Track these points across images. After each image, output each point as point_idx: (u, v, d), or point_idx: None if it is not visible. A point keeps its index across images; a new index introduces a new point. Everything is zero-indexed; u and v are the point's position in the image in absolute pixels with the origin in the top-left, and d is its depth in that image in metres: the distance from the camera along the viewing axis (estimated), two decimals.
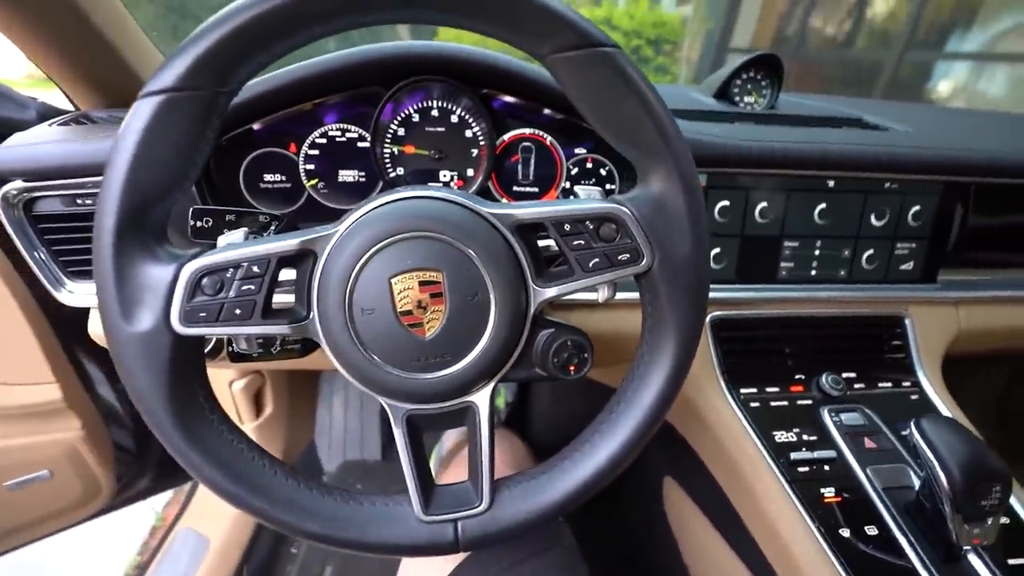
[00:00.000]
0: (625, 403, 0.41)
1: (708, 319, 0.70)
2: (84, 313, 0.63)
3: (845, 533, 0.55)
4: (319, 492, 0.39)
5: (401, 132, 0.62)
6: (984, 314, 0.77)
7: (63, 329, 0.79)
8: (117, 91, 0.68)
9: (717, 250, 0.68)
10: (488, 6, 0.34)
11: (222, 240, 0.37)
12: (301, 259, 0.38)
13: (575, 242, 0.38)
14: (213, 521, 1.21)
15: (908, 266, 0.72)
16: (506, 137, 0.63)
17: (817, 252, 0.70)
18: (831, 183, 0.67)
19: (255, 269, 0.35)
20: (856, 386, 0.70)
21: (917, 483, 0.58)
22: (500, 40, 0.37)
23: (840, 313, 0.73)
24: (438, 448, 1.21)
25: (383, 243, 0.36)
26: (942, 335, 0.75)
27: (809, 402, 0.68)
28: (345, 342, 0.37)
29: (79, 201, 0.56)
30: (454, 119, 0.62)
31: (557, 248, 0.39)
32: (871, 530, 0.55)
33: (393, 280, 0.36)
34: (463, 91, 0.60)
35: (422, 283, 0.36)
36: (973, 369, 1.11)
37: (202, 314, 0.35)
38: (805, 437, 0.64)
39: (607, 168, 0.66)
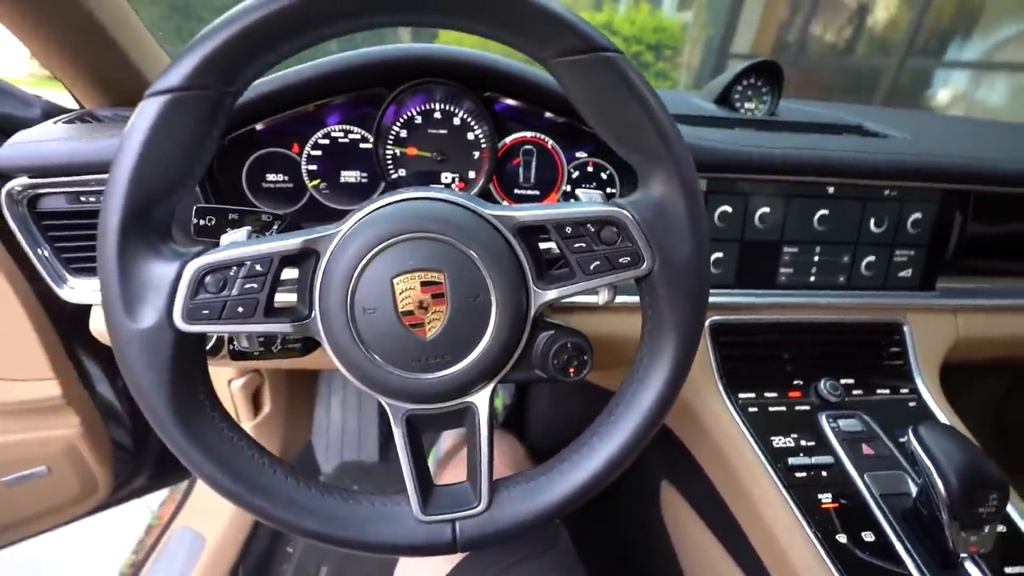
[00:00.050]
0: (624, 405, 0.41)
1: (707, 323, 0.70)
2: (85, 310, 0.63)
3: (842, 539, 0.55)
4: (318, 491, 0.39)
5: (403, 134, 0.62)
6: (983, 322, 0.77)
7: (64, 326, 0.79)
8: (122, 90, 0.69)
9: (717, 255, 0.68)
10: (491, 9, 0.34)
11: (225, 239, 0.38)
12: (303, 258, 0.38)
13: (576, 245, 0.38)
14: (209, 519, 1.21)
15: (907, 273, 0.73)
16: (508, 140, 0.64)
17: (816, 258, 0.70)
18: (831, 189, 0.68)
19: (258, 268, 0.36)
20: (854, 392, 0.70)
21: (914, 490, 0.58)
22: (503, 43, 0.37)
23: (839, 319, 0.73)
24: (435, 449, 1.21)
25: (385, 243, 0.36)
26: (940, 343, 0.75)
27: (807, 408, 0.68)
28: (346, 341, 0.37)
29: (83, 199, 0.56)
30: (456, 121, 0.62)
31: (558, 250, 0.39)
32: (868, 536, 0.55)
33: (395, 280, 0.36)
34: (465, 94, 0.60)
35: (424, 283, 0.37)
36: (971, 377, 1.11)
37: (205, 311, 0.35)
38: (803, 443, 0.64)
39: (608, 172, 0.66)
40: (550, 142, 0.64)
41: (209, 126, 0.35)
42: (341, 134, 0.61)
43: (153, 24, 0.73)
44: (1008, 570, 0.52)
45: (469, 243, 0.37)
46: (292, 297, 0.39)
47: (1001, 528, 0.56)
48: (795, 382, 0.71)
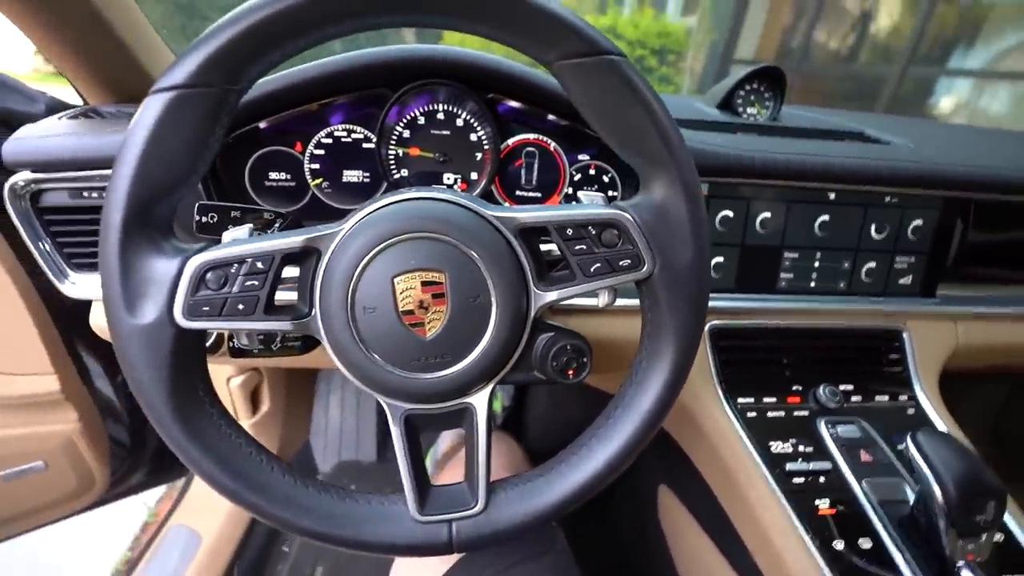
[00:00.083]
0: (623, 408, 0.41)
1: (707, 328, 0.70)
2: (85, 306, 0.63)
3: (839, 545, 0.55)
4: (315, 490, 0.40)
5: (406, 134, 0.62)
6: (982, 330, 0.77)
7: (63, 321, 0.79)
8: (126, 86, 0.69)
9: (718, 259, 0.68)
10: (495, 11, 0.35)
11: (227, 236, 0.38)
12: (305, 256, 0.38)
13: (577, 247, 0.38)
14: (206, 517, 1.21)
15: (907, 280, 0.73)
16: (510, 142, 0.64)
17: (817, 264, 0.70)
18: (832, 195, 0.68)
19: (259, 265, 0.36)
20: (853, 398, 0.70)
21: (912, 497, 0.58)
22: (507, 45, 0.37)
23: (839, 325, 0.73)
24: (433, 450, 1.21)
25: (387, 242, 0.36)
26: (940, 350, 0.75)
27: (806, 413, 0.68)
28: (346, 340, 0.37)
29: (85, 194, 0.56)
30: (459, 122, 0.62)
31: (559, 252, 0.39)
32: (865, 543, 0.55)
33: (396, 280, 0.36)
34: (469, 95, 0.61)
35: (424, 283, 0.37)
36: (971, 385, 1.11)
37: (205, 308, 0.35)
38: (801, 448, 0.64)
39: (610, 175, 0.66)
40: (552, 144, 0.64)
41: (213, 124, 0.35)
42: (344, 134, 0.61)
43: (157, 22, 0.74)
44: None
45: (470, 243, 0.37)
46: (293, 295, 0.39)
47: (998, 537, 0.56)
48: (794, 387, 0.71)
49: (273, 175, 0.62)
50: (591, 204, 0.40)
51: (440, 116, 0.62)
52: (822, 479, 0.61)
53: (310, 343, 0.58)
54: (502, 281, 0.38)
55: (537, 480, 0.41)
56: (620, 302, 0.44)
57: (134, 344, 0.35)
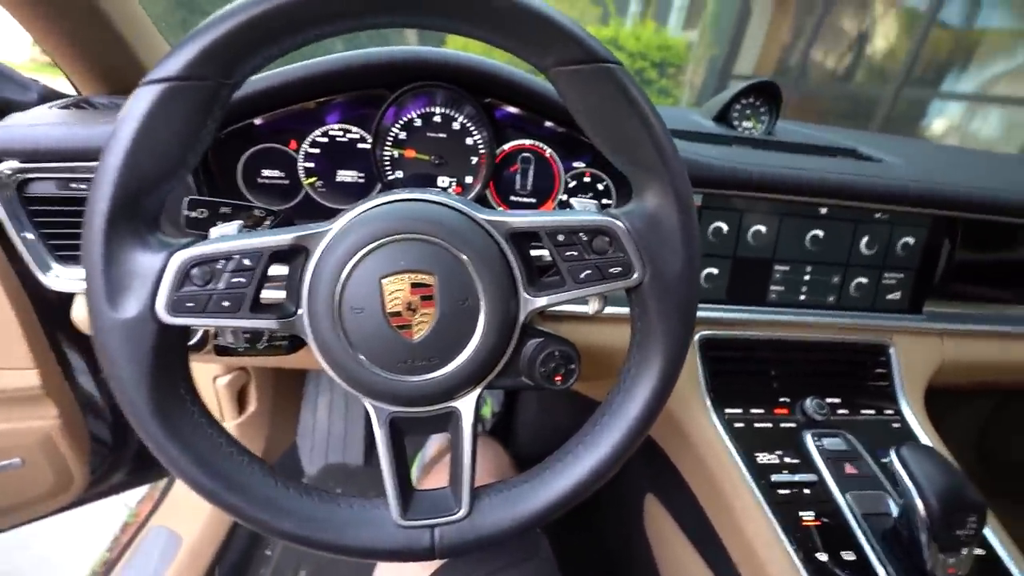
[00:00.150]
0: (610, 415, 0.41)
1: (697, 338, 0.70)
2: (68, 299, 0.62)
3: (822, 557, 0.55)
4: (297, 492, 0.39)
5: (402, 136, 0.62)
6: (968, 347, 0.78)
7: (46, 315, 0.78)
8: (121, 78, 0.68)
9: (709, 270, 0.68)
10: (494, 15, 0.35)
11: (215, 232, 0.37)
12: (294, 255, 0.38)
13: (568, 253, 0.38)
14: (187, 519, 1.19)
15: (895, 296, 0.73)
16: (506, 147, 0.64)
17: (807, 277, 0.71)
18: (823, 210, 0.69)
19: (246, 262, 0.35)
20: (839, 411, 0.71)
21: (896, 510, 0.58)
22: (504, 50, 0.37)
23: (827, 339, 0.73)
24: (421, 454, 1.20)
25: (377, 243, 0.36)
26: (926, 365, 0.76)
27: (793, 425, 0.69)
28: (332, 340, 0.37)
29: (73, 185, 0.56)
30: (456, 126, 0.62)
31: (550, 258, 0.39)
32: (848, 555, 0.55)
33: (384, 281, 0.36)
34: (466, 99, 0.61)
35: (413, 285, 0.36)
36: (956, 401, 1.12)
37: (189, 304, 0.34)
38: (787, 460, 0.64)
39: (604, 183, 0.66)
40: (548, 151, 0.65)
41: (205, 117, 0.34)
42: (340, 133, 0.61)
43: (158, 16, 0.73)
44: None
45: (461, 246, 0.37)
46: (280, 294, 0.39)
47: (979, 551, 0.56)
48: (781, 399, 0.71)
49: (266, 172, 0.61)
50: (583, 211, 0.40)
51: (437, 119, 0.62)
52: (807, 491, 0.61)
53: (297, 343, 0.58)
54: (492, 285, 0.37)
55: (522, 486, 0.41)
56: (610, 310, 0.44)
57: (115, 339, 0.34)
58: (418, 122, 0.62)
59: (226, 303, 0.35)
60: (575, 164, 0.66)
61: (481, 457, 0.45)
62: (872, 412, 0.71)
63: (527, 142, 0.64)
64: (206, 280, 0.35)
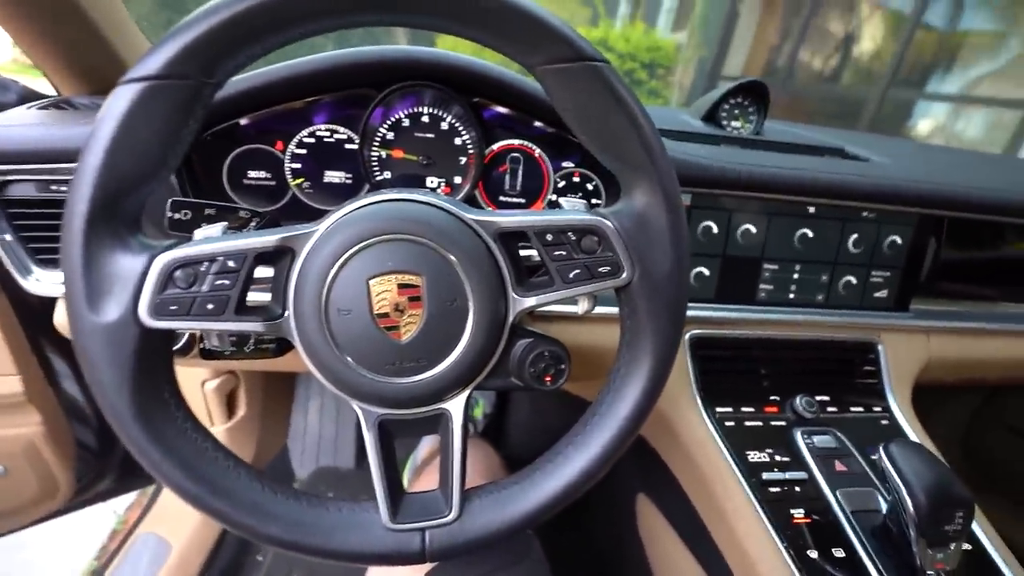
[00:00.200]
0: (600, 415, 0.41)
1: (687, 337, 0.70)
2: (50, 304, 0.61)
3: (813, 555, 0.55)
4: (284, 496, 0.38)
5: (390, 136, 0.62)
6: (953, 344, 0.79)
7: (28, 320, 0.76)
8: (102, 78, 0.67)
9: (698, 269, 0.68)
10: (482, 14, 0.34)
11: (199, 233, 0.37)
12: (279, 256, 0.37)
13: (556, 252, 0.38)
14: (176, 525, 1.17)
15: (882, 294, 0.74)
16: (495, 147, 0.64)
17: (796, 276, 0.71)
18: (811, 209, 0.69)
19: (231, 264, 0.35)
20: (829, 409, 0.71)
21: (885, 507, 0.58)
22: (491, 48, 0.37)
23: (816, 337, 0.74)
24: (413, 456, 1.20)
25: (363, 243, 0.36)
26: (913, 363, 0.77)
27: (783, 423, 0.69)
28: (319, 342, 0.36)
29: (53, 187, 0.55)
30: (444, 126, 0.62)
31: (539, 258, 0.39)
32: (838, 552, 0.55)
33: (371, 281, 0.36)
34: (455, 99, 0.61)
35: (401, 286, 0.36)
36: (942, 398, 1.13)
37: (173, 307, 0.34)
38: (777, 458, 0.64)
39: (594, 183, 0.66)
40: (537, 151, 0.64)
41: (186, 117, 0.34)
42: (327, 133, 0.61)
43: (143, 17, 0.73)
44: None
45: (448, 247, 0.36)
46: (266, 296, 0.38)
47: (967, 546, 0.57)
48: (771, 397, 0.71)
49: (252, 174, 0.61)
50: (572, 210, 0.40)
51: (425, 119, 0.61)
52: (798, 488, 0.61)
53: (285, 345, 0.57)
54: (480, 285, 0.37)
55: (512, 488, 0.41)
56: (600, 309, 0.44)
57: (95, 343, 0.33)
58: (406, 122, 0.61)
59: (210, 306, 0.35)
60: (564, 164, 0.65)
61: (472, 459, 0.44)
62: (861, 409, 0.72)
63: (516, 142, 0.64)
64: (190, 282, 0.34)
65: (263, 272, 0.37)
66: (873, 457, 0.64)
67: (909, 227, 0.72)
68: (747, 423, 0.68)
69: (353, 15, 0.34)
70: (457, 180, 0.64)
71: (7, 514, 0.89)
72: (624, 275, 0.38)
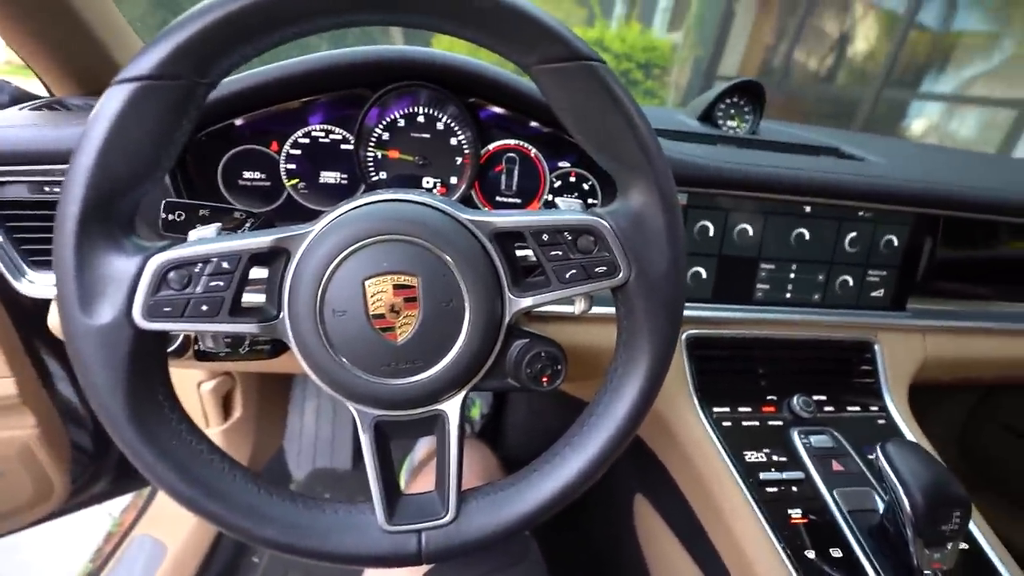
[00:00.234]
0: (597, 416, 0.41)
1: (683, 337, 0.70)
2: (44, 306, 0.60)
3: (810, 555, 0.55)
4: (279, 498, 0.38)
5: (386, 136, 0.61)
6: (949, 343, 0.79)
7: (22, 322, 0.76)
8: (95, 79, 0.67)
9: (695, 269, 0.68)
10: (477, 14, 0.34)
11: (193, 235, 0.37)
12: (274, 257, 0.37)
13: (552, 253, 0.38)
14: (172, 527, 1.17)
15: (879, 293, 0.74)
16: (491, 147, 0.63)
17: (792, 275, 0.71)
18: (808, 209, 0.69)
19: (225, 265, 0.35)
20: (826, 409, 0.71)
21: (882, 507, 0.58)
22: (487, 48, 0.37)
23: (813, 336, 0.74)
24: (410, 457, 1.19)
25: (359, 244, 0.35)
26: (909, 362, 0.77)
27: (780, 423, 0.69)
28: (314, 344, 0.36)
29: (46, 188, 0.54)
30: (440, 126, 0.62)
31: (535, 258, 0.38)
32: (835, 552, 0.55)
33: (367, 282, 0.35)
34: (450, 99, 0.60)
35: (396, 287, 0.36)
36: (938, 398, 1.14)
37: (166, 309, 0.34)
38: (775, 458, 0.64)
39: (590, 183, 0.66)
40: (533, 151, 0.64)
41: (179, 117, 0.34)
42: (322, 134, 0.61)
43: (138, 18, 0.72)
44: None
45: (444, 247, 0.36)
46: (261, 297, 0.38)
47: (964, 546, 0.57)
48: (768, 397, 0.71)
49: (247, 174, 0.60)
50: (568, 210, 0.39)
51: (420, 119, 0.61)
52: (795, 488, 0.61)
53: (279, 347, 0.57)
54: (476, 286, 0.37)
55: (509, 489, 0.41)
56: (596, 310, 0.44)
57: (89, 345, 0.33)
58: (401, 122, 0.61)
59: (205, 307, 0.34)
60: (560, 164, 0.65)
61: (469, 460, 0.44)
62: (858, 409, 0.72)
63: (512, 142, 0.64)
64: (184, 284, 0.34)
65: (258, 273, 0.36)
66: (870, 457, 0.65)
67: (905, 227, 0.72)
68: (744, 423, 0.68)
69: (348, 15, 0.34)
70: (453, 180, 0.64)
71: (2, 517, 0.88)
72: (621, 275, 0.38)
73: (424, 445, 1.18)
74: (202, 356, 0.54)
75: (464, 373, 0.38)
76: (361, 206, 0.37)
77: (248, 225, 0.50)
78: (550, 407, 1.24)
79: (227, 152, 0.59)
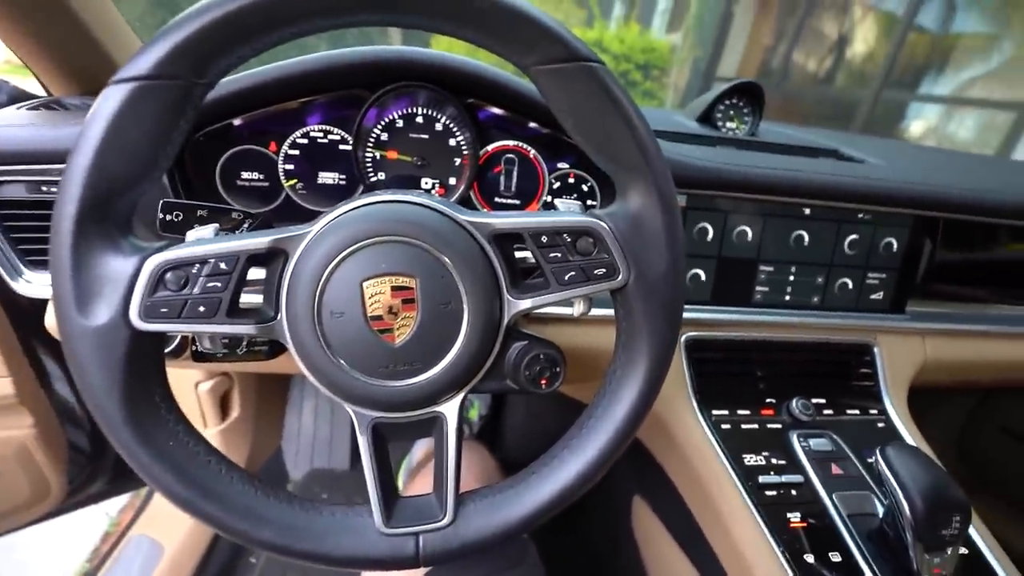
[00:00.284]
0: (596, 418, 0.40)
1: (682, 339, 0.70)
2: (42, 305, 0.60)
3: (809, 559, 0.55)
4: (277, 500, 0.38)
5: (384, 137, 0.61)
6: (949, 346, 0.79)
7: (19, 321, 0.76)
8: (93, 78, 0.66)
9: (694, 271, 0.68)
10: (476, 14, 0.34)
11: (190, 235, 0.36)
12: (271, 258, 0.37)
13: (552, 254, 0.38)
14: (169, 528, 1.17)
15: (878, 296, 0.74)
16: (490, 148, 0.63)
17: (792, 278, 0.71)
18: (807, 211, 0.69)
19: (222, 266, 0.34)
20: (825, 412, 0.71)
21: (881, 511, 0.58)
22: (486, 49, 0.37)
23: (812, 339, 0.74)
24: (408, 459, 1.19)
25: (357, 245, 0.35)
26: (909, 365, 0.77)
27: (779, 426, 0.69)
28: (312, 345, 0.36)
29: (44, 188, 0.54)
30: (438, 127, 0.62)
31: (534, 260, 0.38)
32: (835, 556, 0.55)
33: (365, 284, 0.35)
34: (449, 100, 0.60)
35: (394, 288, 0.36)
36: (937, 400, 1.14)
37: (164, 310, 0.33)
38: (774, 461, 0.64)
39: (589, 184, 0.66)
40: (532, 152, 0.64)
41: (177, 117, 0.33)
42: (320, 134, 0.60)
43: (136, 18, 0.72)
44: None
45: (443, 248, 0.36)
46: (258, 298, 0.38)
47: (964, 551, 0.57)
48: (767, 400, 0.71)
49: (245, 175, 0.60)
50: (567, 212, 0.39)
51: (419, 120, 0.61)
52: (794, 492, 0.61)
53: (277, 348, 0.57)
54: (475, 288, 0.37)
55: (507, 492, 0.40)
56: (595, 312, 0.43)
57: (85, 346, 0.33)
58: (400, 123, 0.61)
59: (202, 308, 0.34)
60: (559, 165, 0.65)
61: (467, 462, 0.44)
62: (857, 412, 0.72)
63: (511, 143, 0.64)
64: (181, 285, 0.34)
65: (255, 274, 0.36)
66: (869, 460, 0.64)
67: (904, 229, 0.72)
68: (743, 426, 0.68)
69: (347, 15, 0.34)
70: (452, 181, 0.64)
71: None
72: (620, 277, 0.38)
73: (422, 447, 1.18)
74: (199, 357, 0.54)
75: (462, 375, 0.38)
76: (359, 207, 0.37)
77: (246, 226, 0.50)
78: (549, 409, 1.24)
79: (225, 152, 0.59)
